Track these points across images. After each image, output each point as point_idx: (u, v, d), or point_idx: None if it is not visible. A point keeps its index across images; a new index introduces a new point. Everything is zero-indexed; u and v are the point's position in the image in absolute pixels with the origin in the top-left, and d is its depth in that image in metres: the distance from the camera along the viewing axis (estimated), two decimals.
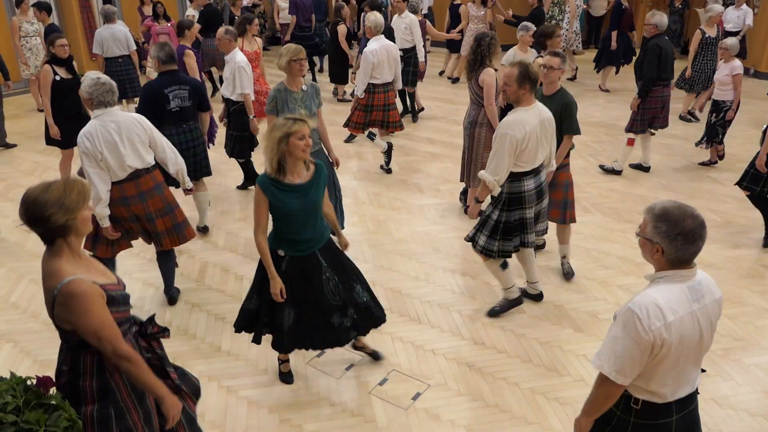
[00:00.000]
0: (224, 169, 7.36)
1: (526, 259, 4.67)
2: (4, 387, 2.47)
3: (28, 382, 2.56)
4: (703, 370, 2.50)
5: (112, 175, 4.16)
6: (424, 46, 9.23)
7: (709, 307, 2.29)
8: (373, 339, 4.36)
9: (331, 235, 3.79)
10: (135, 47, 8.61)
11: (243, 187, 6.94)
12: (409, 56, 9.00)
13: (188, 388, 2.79)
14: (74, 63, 8.17)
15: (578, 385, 3.92)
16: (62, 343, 2.54)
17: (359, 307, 3.71)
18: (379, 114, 7.26)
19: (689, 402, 2.43)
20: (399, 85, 7.40)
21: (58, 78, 6.19)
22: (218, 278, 5.18)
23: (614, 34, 10.25)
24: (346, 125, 7.55)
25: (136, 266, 5.35)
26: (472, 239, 4.52)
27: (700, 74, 8.74)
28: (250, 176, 6.79)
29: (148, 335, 2.66)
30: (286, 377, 3.98)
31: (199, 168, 5.66)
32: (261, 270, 3.61)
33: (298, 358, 4.18)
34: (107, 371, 2.48)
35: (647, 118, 7.01)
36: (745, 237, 5.87)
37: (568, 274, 5.15)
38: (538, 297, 4.82)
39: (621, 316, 2.25)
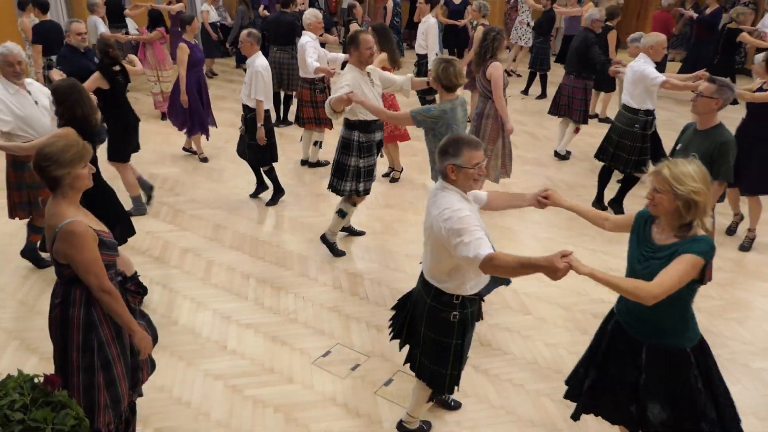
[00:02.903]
0: (229, 168, 7.37)
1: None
2: (11, 385, 2.48)
3: (35, 380, 2.57)
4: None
5: None
6: None
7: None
8: (376, 339, 4.36)
9: None
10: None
11: (255, 195, 6.71)
12: (422, 63, 8.73)
13: (152, 335, 3.17)
14: None
15: None
16: (57, 280, 2.92)
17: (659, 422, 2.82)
18: None
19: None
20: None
21: None
22: (224, 277, 5.18)
23: None
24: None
25: (143, 264, 5.36)
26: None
27: None
28: (273, 187, 6.58)
29: (125, 290, 3.03)
30: None
31: None
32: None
33: (303, 358, 4.18)
34: (92, 306, 2.84)
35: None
36: (754, 241, 5.83)
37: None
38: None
39: None
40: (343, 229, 5.84)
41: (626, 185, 6.33)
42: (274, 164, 6.44)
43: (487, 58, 5.86)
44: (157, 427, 3.59)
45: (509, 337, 4.40)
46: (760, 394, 3.89)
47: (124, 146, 5.97)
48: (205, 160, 7.72)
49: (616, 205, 6.37)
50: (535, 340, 4.38)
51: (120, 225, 4.55)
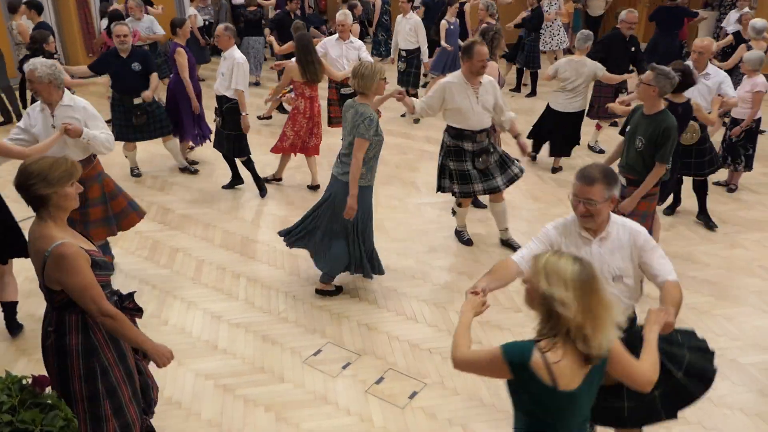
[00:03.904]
0: (219, 166, 7.35)
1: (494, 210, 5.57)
2: None
3: (24, 382, 2.56)
4: None
5: None
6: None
7: None
8: (369, 337, 4.36)
9: None
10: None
11: (230, 186, 6.86)
12: (412, 57, 9.14)
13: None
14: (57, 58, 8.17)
15: None
16: (47, 306, 2.73)
17: None
18: None
19: None
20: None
21: None
22: (214, 276, 5.17)
23: None
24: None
25: (133, 264, 5.33)
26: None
27: None
28: (240, 177, 6.75)
29: (123, 308, 2.85)
30: None
31: None
32: None
33: (294, 357, 4.18)
34: (90, 330, 2.67)
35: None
36: (741, 237, 5.89)
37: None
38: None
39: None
40: None
41: (700, 194, 6.08)
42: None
43: None
44: None
45: (500, 334, 4.42)
46: (748, 389, 3.92)
47: None
48: (193, 162, 7.65)
49: (704, 217, 6.12)
50: (526, 337, 4.38)
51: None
